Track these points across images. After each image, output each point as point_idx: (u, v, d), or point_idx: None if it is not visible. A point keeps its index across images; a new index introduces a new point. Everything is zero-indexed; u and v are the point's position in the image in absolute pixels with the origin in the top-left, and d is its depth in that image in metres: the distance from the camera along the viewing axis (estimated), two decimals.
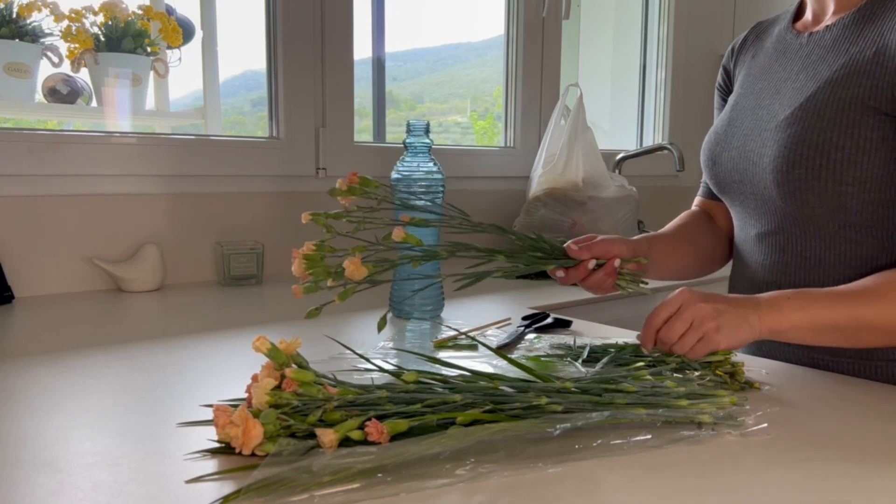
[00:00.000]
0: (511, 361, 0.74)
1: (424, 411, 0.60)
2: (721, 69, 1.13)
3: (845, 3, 0.92)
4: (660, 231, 1.07)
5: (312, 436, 0.57)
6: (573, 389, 0.67)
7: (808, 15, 0.98)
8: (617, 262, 0.88)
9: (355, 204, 0.82)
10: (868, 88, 0.84)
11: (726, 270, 1.10)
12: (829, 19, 0.94)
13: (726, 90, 1.12)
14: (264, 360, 0.63)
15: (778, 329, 0.79)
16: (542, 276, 1.54)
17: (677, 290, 0.79)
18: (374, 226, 0.82)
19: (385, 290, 1.16)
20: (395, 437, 0.58)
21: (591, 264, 0.88)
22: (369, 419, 0.58)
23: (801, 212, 0.89)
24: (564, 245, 0.89)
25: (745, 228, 1.01)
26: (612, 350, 0.88)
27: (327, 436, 0.55)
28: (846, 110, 0.85)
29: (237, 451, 0.57)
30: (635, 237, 0.97)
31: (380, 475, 0.54)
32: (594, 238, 0.90)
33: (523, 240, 0.87)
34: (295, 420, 0.58)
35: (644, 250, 0.94)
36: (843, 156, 0.84)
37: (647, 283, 0.91)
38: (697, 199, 1.16)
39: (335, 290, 0.79)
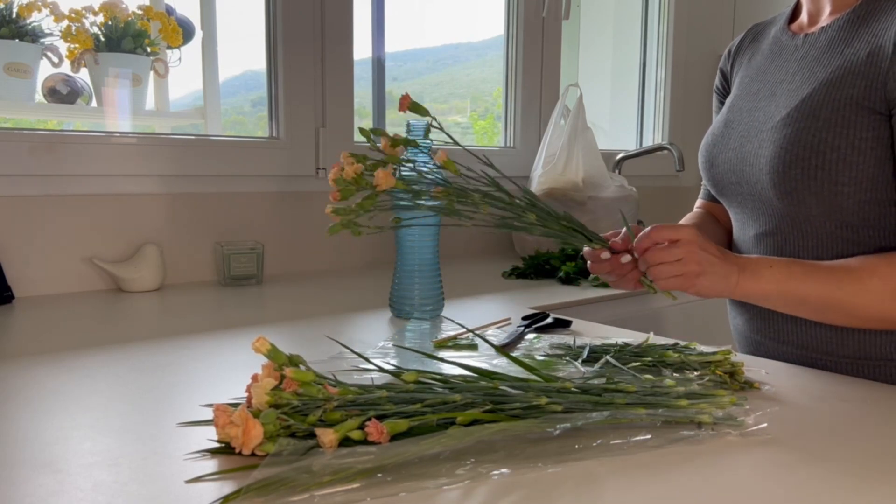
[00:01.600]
0: (512, 359, 0.74)
1: (424, 411, 0.60)
2: (718, 72, 1.14)
3: (840, 4, 0.92)
4: None
5: (312, 436, 0.57)
6: (573, 389, 0.67)
7: (804, 16, 0.98)
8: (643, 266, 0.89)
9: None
10: (862, 89, 0.84)
11: None
12: (824, 20, 0.94)
13: (724, 92, 1.12)
14: (264, 360, 0.63)
15: (750, 295, 0.84)
16: (543, 275, 1.55)
17: (686, 226, 0.82)
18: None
19: (385, 288, 1.16)
20: (395, 437, 0.58)
21: (625, 258, 0.86)
22: (369, 419, 0.58)
23: (797, 212, 0.90)
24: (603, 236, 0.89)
25: (743, 229, 1.01)
26: (612, 350, 0.88)
27: (327, 436, 0.55)
28: (841, 111, 0.85)
29: (237, 451, 0.57)
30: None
31: (380, 475, 0.54)
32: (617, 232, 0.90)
33: (557, 214, 0.84)
34: (295, 420, 0.58)
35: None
36: (839, 156, 0.84)
37: None
38: (699, 202, 1.17)
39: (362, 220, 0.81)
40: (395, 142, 0.83)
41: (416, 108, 0.82)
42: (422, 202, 0.82)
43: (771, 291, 0.83)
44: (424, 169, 0.84)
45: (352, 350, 0.74)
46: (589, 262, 0.88)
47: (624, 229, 0.86)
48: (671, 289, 0.81)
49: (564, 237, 0.85)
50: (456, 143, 0.84)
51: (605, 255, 0.86)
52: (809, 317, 0.87)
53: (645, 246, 0.82)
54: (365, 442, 0.57)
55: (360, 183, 0.80)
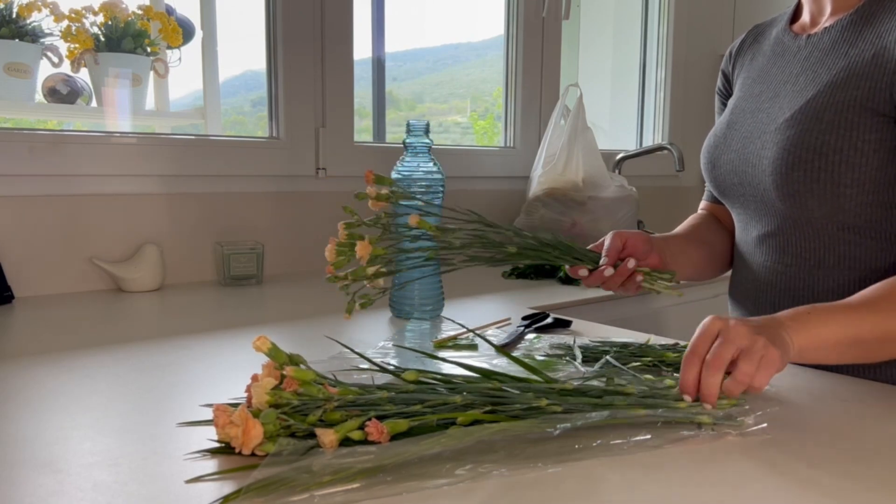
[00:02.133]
0: (512, 359, 0.74)
1: (425, 412, 0.60)
2: (720, 73, 1.13)
3: (843, 4, 0.92)
4: (673, 231, 1.08)
5: (312, 436, 0.57)
6: (572, 390, 0.67)
7: (806, 16, 0.98)
8: (631, 264, 0.89)
9: (382, 210, 0.86)
10: (867, 90, 0.84)
11: (726, 271, 1.10)
12: (826, 21, 0.94)
13: (726, 94, 1.12)
14: (264, 360, 0.63)
15: (805, 347, 0.72)
16: (543, 275, 1.55)
17: (705, 320, 0.71)
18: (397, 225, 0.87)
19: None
20: (395, 437, 0.58)
21: (608, 272, 0.88)
22: (369, 419, 0.58)
23: (800, 214, 0.89)
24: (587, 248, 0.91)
25: (745, 230, 1.01)
26: (612, 350, 0.88)
27: (327, 436, 0.55)
28: (845, 112, 0.85)
29: (237, 451, 0.57)
30: (654, 235, 0.98)
31: (380, 475, 0.54)
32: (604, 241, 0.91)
33: (539, 241, 0.87)
34: (295, 420, 0.58)
35: (661, 246, 0.95)
36: (842, 158, 0.84)
37: (673, 281, 0.91)
38: (703, 204, 1.17)
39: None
40: (380, 196, 0.87)
41: (381, 180, 0.88)
42: (411, 253, 0.87)
43: (825, 337, 0.72)
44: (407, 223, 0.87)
45: (352, 350, 0.74)
46: (582, 280, 0.91)
47: (605, 240, 0.90)
48: (767, 384, 0.68)
49: (551, 262, 0.88)
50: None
51: (583, 272, 0.89)
52: (865, 359, 0.77)
53: (698, 368, 0.68)
54: (365, 442, 0.57)
55: (349, 254, 0.85)
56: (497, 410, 0.61)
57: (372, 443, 0.57)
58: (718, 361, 0.66)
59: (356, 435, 0.57)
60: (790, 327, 0.72)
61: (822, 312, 0.74)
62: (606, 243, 0.92)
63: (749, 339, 0.67)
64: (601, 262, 0.90)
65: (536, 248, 0.87)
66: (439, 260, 0.84)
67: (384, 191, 0.86)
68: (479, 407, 0.61)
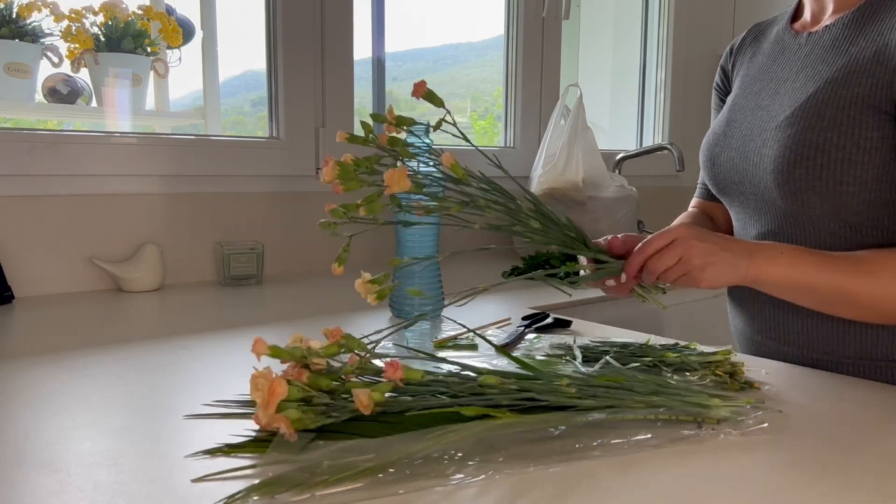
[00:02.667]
0: (512, 359, 0.74)
1: (451, 403, 0.61)
2: (719, 69, 1.13)
3: (844, 2, 0.92)
4: None
5: (313, 432, 0.58)
6: (593, 381, 0.68)
7: (807, 15, 0.98)
8: (622, 278, 0.86)
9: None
10: (868, 88, 0.84)
11: None
12: (827, 19, 0.94)
13: (724, 91, 1.12)
14: (264, 359, 0.63)
15: (762, 279, 0.82)
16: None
17: (675, 224, 0.81)
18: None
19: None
20: (396, 432, 0.58)
21: (609, 283, 0.86)
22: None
23: (801, 212, 0.89)
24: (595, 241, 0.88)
25: (745, 229, 1.01)
26: (612, 350, 0.88)
27: (364, 396, 0.57)
28: (846, 110, 0.84)
29: (260, 427, 0.58)
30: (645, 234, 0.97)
31: (381, 475, 0.54)
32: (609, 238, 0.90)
33: (562, 223, 0.83)
34: (323, 383, 0.60)
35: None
36: (844, 155, 0.84)
37: (665, 292, 0.90)
38: (694, 201, 1.16)
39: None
40: (401, 120, 0.79)
41: (431, 96, 0.80)
42: (426, 203, 0.79)
43: (781, 276, 0.81)
44: (430, 169, 0.81)
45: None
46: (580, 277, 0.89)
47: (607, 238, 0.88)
48: (681, 286, 0.81)
49: (564, 246, 0.83)
50: (466, 139, 0.82)
51: (611, 282, 0.86)
52: (816, 307, 0.86)
53: (638, 263, 0.81)
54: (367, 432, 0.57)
55: (369, 167, 0.76)
56: (524, 395, 0.62)
57: (371, 439, 0.57)
58: (654, 267, 0.79)
59: (382, 389, 0.59)
60: (755, 257, 0.81)
61: (794, 254, 0.82)
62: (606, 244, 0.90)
63: (690, 254, 0.78)
64: (606, 260, 0.87)
65: (557, 227, 0.82)
66: (457, 218, 0.78)
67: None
68: (509, 394, 0.62)
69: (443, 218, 0.80)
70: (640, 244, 0.82)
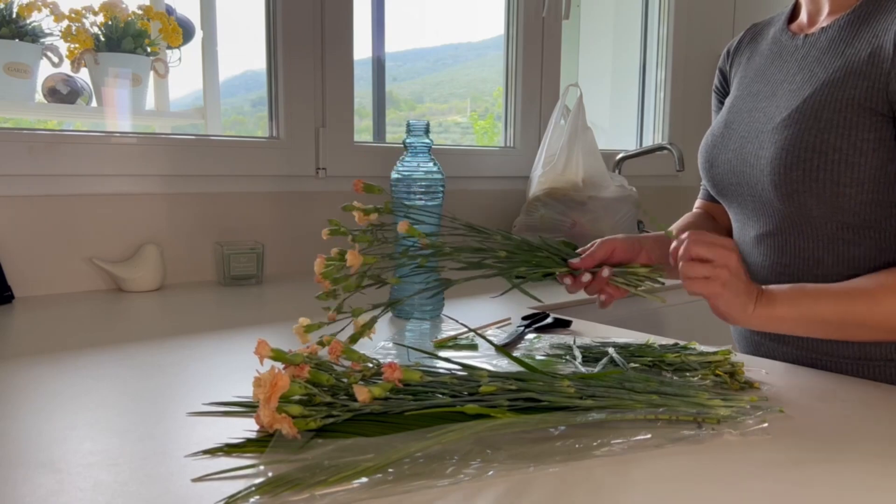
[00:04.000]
0: (512, 358, 0.74)
1: (443, 402, 0.61)
2: (717, 72, 1.13)
3: (840, 4, 0.92)
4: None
5: (313, 431, 0.58)
6: (593, 381, 0.68)
7: (803, 16, 0.98)
8: (605, 272, 0.86)
9: (370, 223, 0.84)
10: (864, 89, 0.84)
11: None
12: (824, 20, 0.94)
13: (723, 92, 1.12)
14: (266, 361, 0.63)
15: (766, 321, 0.81)
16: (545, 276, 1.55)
17: (724, 243, 0.80)
18: (389, 235, 0.84)
19: (385, 289, 1.16)
20: (396, 432, 0.58)
21: (585, 277, 0.87)
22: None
23: (798, 213, 0.89)
24: (577, 250, 0.89)
25: (743, 230, 1.01)
26: (611, 350, 0.88)
27: (363, 393, 0.58)
28: (843, 111, 0.85)
29: (263, 428, 0.58)
30: (643, 235, 0.97)
31: (381, 475, 0.54)
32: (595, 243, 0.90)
33: (528, 244, 0.86)
34: (323, 381, 0.61)
35: (650, 245, 0.94)
36: (841, 157, 0.84)
37: (662, 283, 0.90)
38: (698, 203, 1.17)
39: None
40: (367, 211, 0.85)
41: (370, 188, 0.86)
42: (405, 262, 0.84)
43: (786, 314, 0.81)
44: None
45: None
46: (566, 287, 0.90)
47: (591, 245, 0.89)
48: (692, 290, 0.80)
49: (534, 267, 0.85)
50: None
51: (567, 280, 0.88)
52: (830, 336, 0.85)
53: (680, 258, 0.80)
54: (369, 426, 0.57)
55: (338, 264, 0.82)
56: (525, 395, 0.63)
57: (374, 436, 0.57)
58: (689, 271, 0.79)
59: (382, 387, 0.60)
60: (758, 304, 0.81)
61: (794, 294, 0.82)
62: (592, 249, 0.90)
63: (721, 274, 0.78)
64: (577, 263, 0.88)
65: (526, 250, 0.85)
66: (434, 269, 0.83)
67: (370, 206, 0.84)
68: (507, 395, 0.63)
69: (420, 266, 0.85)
70: (686, 241, 0.80)
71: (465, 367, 0.69)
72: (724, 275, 0.78)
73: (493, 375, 0.66)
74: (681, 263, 0.80)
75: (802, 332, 0.84)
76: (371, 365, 0.66)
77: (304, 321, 0.77)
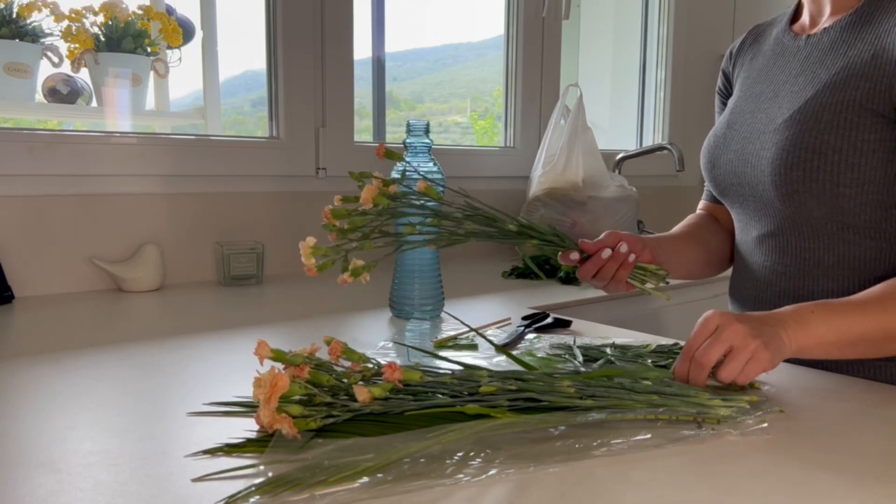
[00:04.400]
0: (512, 358, 0.74)
1: (443, 403, 0.61)
2: (720, 73, 1.14)
3: (842, 5, 0.92)
4: (668, 232, 1.08)
5: (313, 431, 0.58)
6: (594, 381, 0.68)
7: (806, 17, 0.98)
8: (624, 248, 0.87)
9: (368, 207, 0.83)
10: (866, 91, 0.84)
11: (726, 271, 1.10)
12: (826, 21, 0.94)
13: (726, 94, 1.12)
14: (266, 362, 0.63)
15: (805, 346, 0.75)
16: (543, 274, 1.55)
17: (705, 314, 0.74)
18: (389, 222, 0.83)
19: (385, 289, 1.16)
20: (396, 431, 0.58)
21: (606, 253, 0.86)
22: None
23: (799, 214, 0.90)
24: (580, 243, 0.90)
25: (745, 230, 1.01)
26: (611, 350, 0.88)
27: (363, 393, 0.59)
28: (844, 113, 0.85)
29: (263, 428, 0.58)
30: (646, 236, 0.97)
31: (381, 475, 0.54)
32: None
33: (537, 228, 0.86)
34: (323, 382, 0.61)
35: (653, 245, 0.94)
36: (841, 158, 0.84)
37: (666, 280, 0.90)
38: (702, 204, 1.17)
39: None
40: (386, 182, 0.83)
41: (391, 154, 0.85)
42: (412, 224, 0.83)
43: (824, 335, 0.75)
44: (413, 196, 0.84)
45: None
46: (577, 270, 0.89)
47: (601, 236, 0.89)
48: (752, 379, 0.73)
49: (549, 247, 0.86)
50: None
51: (574, 255, 0.88)
52: (867, 355, 0.79)
53: (686, 363, 0.74)
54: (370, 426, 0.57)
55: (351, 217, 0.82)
56: (524, 394, 0.63)
57: (374, 435, 0.57)
58: (705, 360, 0.72)
59: (382, 387, 0.61)
60: (791, 326, 0.75)
61: (825, 311, 0.77)
62: (600, 238, 0.91)
63: (742, 340, 0.71)
64: (588, 245, 0.89)
65: (535, 232, 0.85)
66: (441, 233, 0.81)
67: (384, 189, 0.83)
68: (507, 395, 0.63)
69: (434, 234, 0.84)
70: (683, 349, 0.74)
71: (465, 366, 0.69)
72: (739, 330, 0.72)
73: (493, 375, 0.66)
74: (695, 358, 0.72)
75: (839, 353, 0.78)
76: (371, 365, 0.66)
77: (311, 240, 0.78)
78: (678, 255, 1.02)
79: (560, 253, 0.89)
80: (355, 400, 0.61)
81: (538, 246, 0.86)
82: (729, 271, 1.09)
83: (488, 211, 0.84)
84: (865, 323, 0.77)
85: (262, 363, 0.62)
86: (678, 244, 1.03)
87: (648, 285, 0.89)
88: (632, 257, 0.88)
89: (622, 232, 0.91)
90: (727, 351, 0.71)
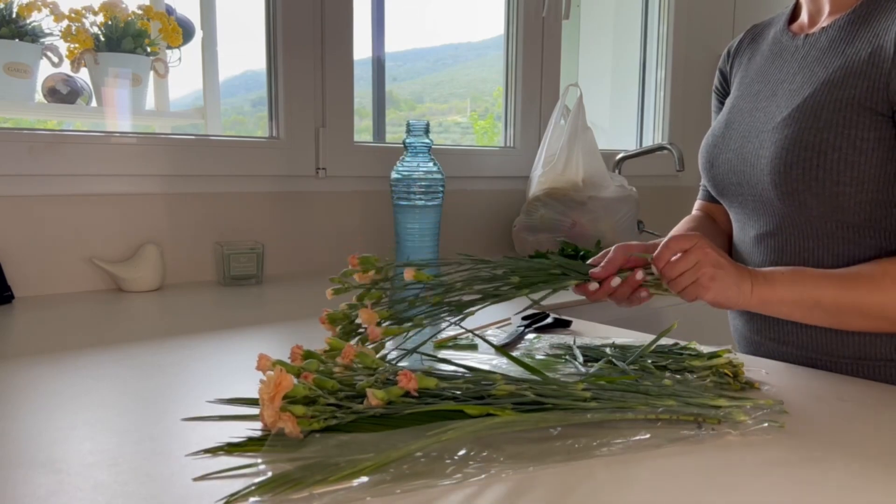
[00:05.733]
0: (512, 359, 0.74)
1: (446, 406, 0.61)
2: (717, 72, 1.14)
3: (840, 4, 0.92)
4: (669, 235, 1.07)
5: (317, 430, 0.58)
6: (606, 385, 0.68)
7: (804, 16, 0.98)
8: (639, 275, 0.83)
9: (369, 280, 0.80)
10: (864, 89, 0.84)
11: None
12: (824, 21, 0.94)
13: (723, 93, 1.12)
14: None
15: (766, 300, 0.82)
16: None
17: (694, 234, 0.81)
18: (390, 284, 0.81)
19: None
20: (402, 425, 0.58)
21: (616, 281, 0.83)
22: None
23: (798, 213, 0.90)
24: (588, 262, 0.86)
25: (743, 230, 1.01)
26: (611, 350, 0.88)
27: (376, 396, 0.59)
28: (842, 111, 0.85)
29: (265, 425, 0.58)
30: (653, 242, 0.96)
31: (380, 474, 0.54)
32: (608, 252, 0.86)
33: (540, 262, 0.83)
34: (327, 388, 0.61)
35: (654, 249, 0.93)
36: (840, 157, 0.84)
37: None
38: (698, 203, 1.17)
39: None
40: (366, 266, 0.80)
41: (366, 261, 0.80)
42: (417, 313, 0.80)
43: (786, 295, 0.82)
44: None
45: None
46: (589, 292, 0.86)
47: (607, 252, 0.86)
48: (689, 299, 0.81)
49: (554, 284, 0.82)
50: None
51: (594, 286, 0.84)
52: (825, 323, 0.86)
53: (663, 261, 0.81)
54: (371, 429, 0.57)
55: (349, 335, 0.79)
56: (536, 401, 0.63)
57: (374, 432, 0.57)
58: (671, 270, 0.80)
59: (394, 392, 0.61)
60: (758, 280, 0.82)
61: (794, 273, 0.83)
62: (610, 255, 0.87)
63: (704, 261, 0.79)
64: (599, 272, 0.85)
65: (538, 269, 0.82)
66: (449, 306, 0.79)
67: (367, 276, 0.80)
68: (519, 397, 0.63)
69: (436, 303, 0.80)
70: (663, 242, 0.81)
71: (475, 369, 0.69)
72: (709, 254, 0.79)
73: (509, 380, 0.65)
74: (662, 269, 0.81)
75: (800, 316, 0.84)
76: (382, 370, 0.66)
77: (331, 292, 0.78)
78: None
79: (574, 286, 0.85)
80: (359, 401, 0.60)
81: (549, 285, 0.82)
82: None
83: (485, 266, 0.81)
84: (826, 291, 0.82)
85: (264, 374, 0.62)
86: None
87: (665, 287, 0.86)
88: (639, 275, 0.84)
89: (630, 243, 0.88)
90: (692, 265, 0.79)
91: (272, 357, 0.64)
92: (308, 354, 0.67)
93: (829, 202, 0.86)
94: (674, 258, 0.80)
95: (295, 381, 0.59)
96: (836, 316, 0.83)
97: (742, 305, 0.82)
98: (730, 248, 1.10)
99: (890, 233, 0.86)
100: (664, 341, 0.94)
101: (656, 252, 0.82)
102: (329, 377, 0.62)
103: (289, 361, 0.65)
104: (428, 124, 1.10)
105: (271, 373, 0.59)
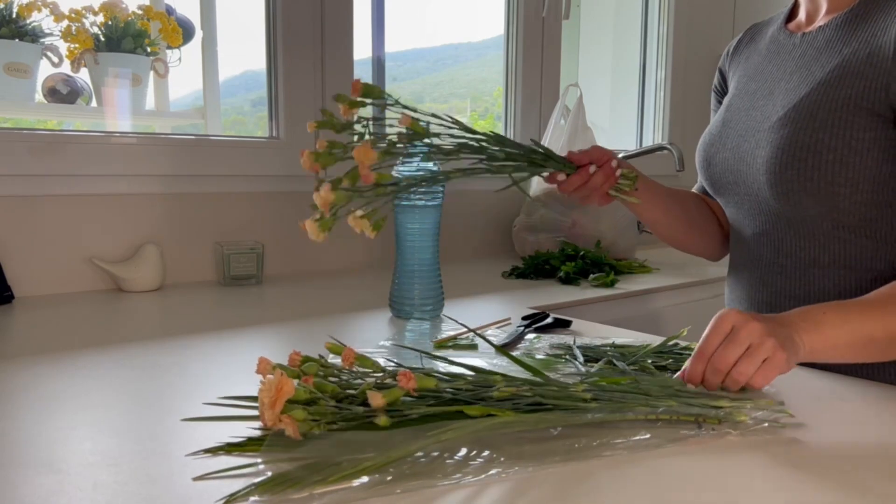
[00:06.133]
0: (512, 358, 0.74)
1: (446, 408, 0.61)
2: (717, 71, 1.14)
3: (838, 3, 0.92)
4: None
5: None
6: (607, 386, 0.68)
7: (802, 15, 0.99)
8: (614, 163, 0.92)
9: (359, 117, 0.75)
10: (861, 89, 0.84)
11: (724, 271, 1.10)
12: (821, 19, 0.94)
13: (722, 92, 1.12)
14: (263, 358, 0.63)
15: (817, 349, 0.73)
16: (543, 275, 1.55)
17: (720, 313, 0.72)
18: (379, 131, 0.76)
19: (385, 289, 1.16)
20: (402, 425, 0.58)
21: (592, 168, 0.91)
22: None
23: (794, 212, 0.90)
24: (566, 154, 0.92)
25: (740, 229, 1.01)
26: (611, 350, 0.88)
27: (377, 399, 0.58)
28: (838, 111, 0.85)
29: (266, 425, 0.58)
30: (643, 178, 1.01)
31: (380, 474, 0.54)
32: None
33: (522, 148, 0.86)
34: (325, 391, 0.61)
35: (634, 175, 0.97)
36: (836, 157, 0.84)
37: (636, 186, 0.96)
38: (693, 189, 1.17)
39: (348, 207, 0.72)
40: (353, 103, 0.74)
41: (369, 91, 0.74)
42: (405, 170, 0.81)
43: (837, 338, 0.73)
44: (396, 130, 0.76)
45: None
46: (560, 185, 0.92)
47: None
48: (767, 384, 0.70)
49: (534, 167, 0.87)
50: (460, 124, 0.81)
51: (561, 176, 0.91)
52: (874, 358, 0.77)
53: (702, 367, 0.71)
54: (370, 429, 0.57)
55: (335, 160, 0.71)
56: (535, 400, 0.63)
57: (377, 429, 0.57)
58: (723, 364, 0.69)
59: (395, 394, 0.60)
60: (802, 329, 0.72)
61: (836, 313, 0.74)
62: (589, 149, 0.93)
63: (759, 339, 0.69)
64: (576, 155, 0.92)
65: (523, 154, 0.85)
66: (438, 169, 0.80)
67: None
68: (520, 398, 0.63)
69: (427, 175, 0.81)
70: (697, 346, 0.71)
71: (475, 368, 0.69)
72: (757, 328, 0.69)
73: (509, 381, 0.65)
74: (711, 362, 0.70)
75: (852, 357, 0.75)
76: (385, 371, 0.66)
77: (358, 212, 0.69)
78: (657, 201, 1.02)
79: (547, 174, 0.91)
80: (360, 404, 0.60)
81: (529, 169, 0.85)
82: (727, 271, 1.09)
83: (472, 138, 0.80)
84: (874, 325, 0.74)
85: (264, 377, 0.62)
86: (657, 193, 1.02)
87: (633, 199, 0.95)
88: (619, 172, 0.93)
89: (607, 149, 0.94)
90: (745, 352, 0.69)
91: (272, 360, 0.64)
92: (307, 360, 0.67)
93: (824, 202, 0.86)
94: (718, 345, 0.70)
95: (296, 384, 0.59)
96: (889, 348, 0.75)
97: (802, 360, 0.73)
98: (721, 231, 1.10)
99: (886, 233, 0.86)
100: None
101: (693, 354, 0.71)
102: (328, 379, 0.63)
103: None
104: (428, 124, 1.10)
105: (271, 376, 0.59)
